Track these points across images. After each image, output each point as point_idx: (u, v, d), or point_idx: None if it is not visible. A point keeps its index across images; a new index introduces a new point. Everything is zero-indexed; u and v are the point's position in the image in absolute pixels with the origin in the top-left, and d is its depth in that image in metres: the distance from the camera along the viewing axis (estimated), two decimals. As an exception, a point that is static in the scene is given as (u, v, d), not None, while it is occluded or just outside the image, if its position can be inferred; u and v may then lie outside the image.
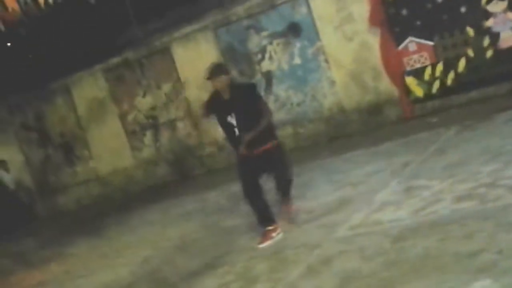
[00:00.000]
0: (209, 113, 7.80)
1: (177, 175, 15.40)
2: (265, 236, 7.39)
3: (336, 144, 12.54)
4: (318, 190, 9.08)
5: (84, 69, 16.10)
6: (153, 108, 15.55)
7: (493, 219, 5.73)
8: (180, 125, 15.27)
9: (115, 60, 15.78)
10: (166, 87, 15.24)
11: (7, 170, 17.26)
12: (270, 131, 7.49)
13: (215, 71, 7.48)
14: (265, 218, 7.48)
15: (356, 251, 6.18)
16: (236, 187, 11.42)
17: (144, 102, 15.62)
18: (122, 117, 15.97)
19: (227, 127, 7.46)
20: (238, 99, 7.37)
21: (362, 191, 8.28)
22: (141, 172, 15.99)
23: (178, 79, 14.98)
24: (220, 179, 13.20)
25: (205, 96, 14.25)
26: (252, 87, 7.87)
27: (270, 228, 7.41)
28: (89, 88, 16.22)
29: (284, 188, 7.64)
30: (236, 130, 7.35)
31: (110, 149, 16.21)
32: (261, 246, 7.35)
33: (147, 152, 15.86)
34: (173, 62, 14.99)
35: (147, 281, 7.74)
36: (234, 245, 7.88)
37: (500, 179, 6.79)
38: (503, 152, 7.84)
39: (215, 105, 7.55)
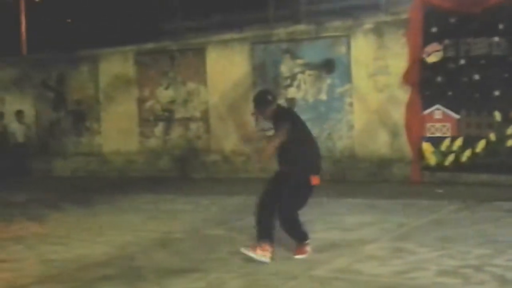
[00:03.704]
0: None
1: (178, 173, 15.43)
2: (252, 247, 7.32)
3: (339, 186, 12.57)
4: (310, 225, 9.07)
5: (116, 46, 16.20)
6: (172, 102, 15.62)
7: (470, 301, 5.72)
8: (193, 125, 15.32)
9: (149, 45, 15.88)
10: (191, 85, 15.31)
11: (22, 120, 17.28)
12: (293, 157, 7.30)
13: (258, 101, 7.47)
14: (262, 233, 7.33)
15: (330, 294, 6.17)
16: (231, 200, 11.52)
17: (165, 93, 15.70)
18: (140, 102, 16.04)
19: None
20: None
21: (351, 239, 8.30)
22: (144, 160, 16.03)
23: (205, 80, 15.06)
24: (218, 188, 13.23)
25: (225, 103, 14.49)
26: (277, 112, 7.51)
27: (263, 245, 7.27)
28: (117, 65, 16.33)
29: (290, 232, 7.45)
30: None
31: (119, 130, 16.28)
32: (242, 250, 7.30)
33: (154, 142, 15.92)
34: (204, 63, 15.08)
35: (119, 265, 7.71)
36: (214, 254, 7.87)
37: (487, 265, 6.79)
38: (496, 240, 7.86)
39: None
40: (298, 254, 7.43)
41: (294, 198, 7.31)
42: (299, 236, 7.50)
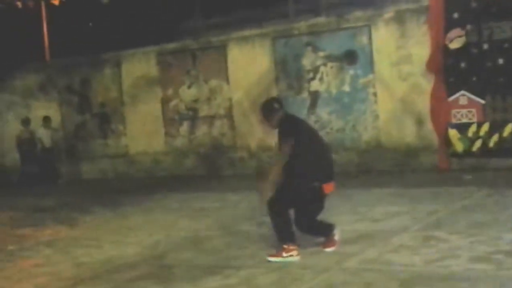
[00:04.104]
0: None
1: (205, 171, 15.49)
2: (278, 251, 7.34)
3: (366, 177, 12.57)
4: (339, 217, 9.07)
5: (138, 47, 16.29)
6: (195, 100, 15.68)
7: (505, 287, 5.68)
8: (217, 123, 15.37)
9: (170, 45, 15.94)
10: (213, 83, 15.35)
11: (49, 126, 17.43)
12: (298, 170, 7.17)
13: (265, 109, 7.46)
14: (285, 235, 7.34)
15: (362, 285, 6.16)
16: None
17: (188, 92, 15.76)
18: (164, 102, 16.12)
19: None
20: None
21: (381, 229, 8.28)
22: (170, 160, 16.11)
23: (227, 78, 15.09)
24: (246, 184, 13.23)
25: (248, 100, 14.46)
26: (282, 120, 7.43)
27: (285, 246, 7.29)
28: (139, 66, 16.41)
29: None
30: None
31: (145, 131, 16.38)
32: (269, 259, 7.31)
33: (180, 141, 15.99)
34: (226, 61, 15.11)
35: (151, 265, 7.78)
36: (244, 250, 7.90)
37: (519, 250, 6.75)
38: (527, 224, 7.80)
39: None
40: (327, 247, 7.43)
41: (305, 210, 7.32)
42: (324, 232, 7.51)
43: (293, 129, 7.31)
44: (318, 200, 7.35)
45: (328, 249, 7.40)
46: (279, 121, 7.36)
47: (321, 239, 7.53)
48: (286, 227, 7.33)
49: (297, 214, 7.34)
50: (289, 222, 7.35)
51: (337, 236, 7.51)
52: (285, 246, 7.28)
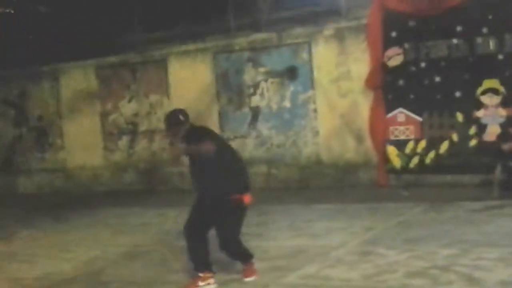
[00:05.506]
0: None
1: (144, 186, 15.33)
2: (193, 281, 7.08)
3: (306, 193, 12.64)
4: (278, 233, 9.12)
5: (77, 60, 16.08)
6: (135, 114, 15.53)
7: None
8: (157, 137, 15.24)
9: (110, 59, 15.78)
10: (153, 97, 15.25)
11: None
12: (228, 180, 6.83)
13: (171, 121, 7.09)
14: (199, 262, 7.05)
15: (301, 301, 6.19)
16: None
17: (128, 106, 15.61)
18: (103, 116, 15.93)
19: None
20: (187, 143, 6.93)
21: (320, 244, 8.33)
22: (109, 174, 15.90)
23: (168, 92, 15.01)
24: (185, 199, 13.13)
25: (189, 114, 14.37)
26: (190, 131, 7.07)
27: (201, 275, 7.01)
28: (78, 80, 16.20)
29: (235, 256, 7.11)
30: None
31: (83, 145, 16.13)
32: None
33: (119, 156, 15.80)
34: (167, 75, 15.04)
35: (87, 281, 7.67)
36: (183, 265, 7.85)
37: (454, 265, 6.87)
38: (462, 239, 7.95)
39: None
40: (248, 276, 7.04)
41: (231, 221, 6.92)
42: (245, 256, 7.12)
43: (206, 135, 6.95)
44: (239, 212, 6.96)
45: (249, 279, 7.01)
46: (186, 133, 6.96)
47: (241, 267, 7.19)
48: (202, 254, 7.04)
49: (221, 231, 6.94)
50: (206, 248, 7.06)
51: (255, 265, 7.18)
52: (200, 275, 7.01)
